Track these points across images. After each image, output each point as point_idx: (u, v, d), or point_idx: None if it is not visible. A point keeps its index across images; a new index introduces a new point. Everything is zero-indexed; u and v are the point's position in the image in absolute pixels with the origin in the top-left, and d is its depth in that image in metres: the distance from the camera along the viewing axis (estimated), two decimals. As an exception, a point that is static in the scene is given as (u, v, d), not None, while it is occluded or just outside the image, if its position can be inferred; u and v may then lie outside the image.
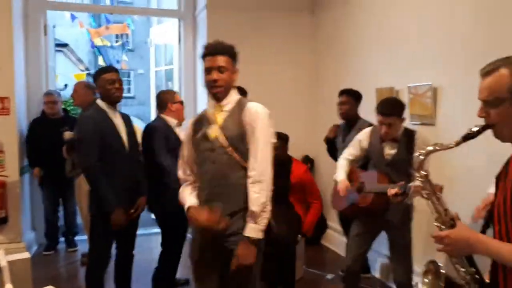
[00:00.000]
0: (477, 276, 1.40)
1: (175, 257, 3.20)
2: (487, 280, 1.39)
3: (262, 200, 1.90)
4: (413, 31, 3.36)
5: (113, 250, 2.95)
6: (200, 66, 5.11)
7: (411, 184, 2.44)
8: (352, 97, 3.51)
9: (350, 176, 2.87)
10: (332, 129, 3.71)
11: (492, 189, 1.98)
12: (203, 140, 2.02)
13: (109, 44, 11.44)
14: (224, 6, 4.61)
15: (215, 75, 1.97)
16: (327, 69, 4.73)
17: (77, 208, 4.44)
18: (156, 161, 2.94)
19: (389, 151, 2.74)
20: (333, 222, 4.53)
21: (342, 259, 3.56)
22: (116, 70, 2.89)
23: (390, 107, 2.68)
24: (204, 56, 2.02)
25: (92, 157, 2.66)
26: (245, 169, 1.96)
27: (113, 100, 2.81)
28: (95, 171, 2.67)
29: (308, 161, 4.92)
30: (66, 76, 12.63)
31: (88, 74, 16.25)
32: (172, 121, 3.16)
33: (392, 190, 2.50)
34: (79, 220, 4.63)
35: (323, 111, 4.74)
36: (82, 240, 4.56)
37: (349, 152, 2.92)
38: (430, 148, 1.48)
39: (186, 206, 2.04)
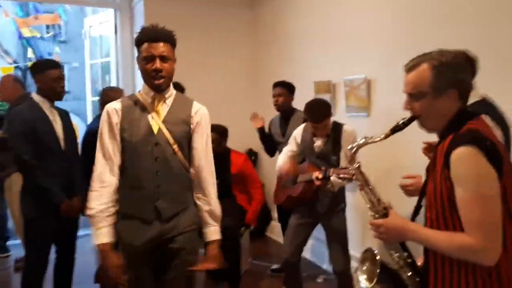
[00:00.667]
0: (409, 260, 1.48)
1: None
2: (419, 264, 1.49)
3: (217, 201, 1.91)
4: (349, 26, 3.47)
5: (52, 254, 2.80)
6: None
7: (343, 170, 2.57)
8: (286, 89, 3.55)
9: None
10: (256, 119, 3.73)
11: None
12: (141, 132, 1.83)
13: (39, 35, 10.71)
14: (161, -3, 4.50)
15: (158, 64, 1.78)
16: (268, 63, 4.77)
17: (7, 211, 4.17)
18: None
19: (318, 143, 2.88)
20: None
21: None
22: (60, 66, 2.77)
23: (319, 113, 2.76)
24: (142, 42, 1.81)
25: (26, 153, 2.53)
26: (187, 170, 1.92)
27: (56, 98, 2.70)
28: (33, 166, 2.54)
29: (252, 154, 4.95)
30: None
31: (17, 67, 15.18)
32: None
33: (315, 173, 2.66)
34: (10, 224, 4.36)
35: (266, 104, 4.77)
36: (15, 245, 4.29)
37: (288, 148, 3.03)
38: (361, 141, 1.55)
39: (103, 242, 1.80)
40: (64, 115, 2.82)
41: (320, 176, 2.63)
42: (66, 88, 2.83)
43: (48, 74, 2.63)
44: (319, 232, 3.43)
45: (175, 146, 1.84)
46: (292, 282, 3.06)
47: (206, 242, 1.94)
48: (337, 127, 2.87)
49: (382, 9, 3.12)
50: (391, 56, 3.02)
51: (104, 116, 1.87)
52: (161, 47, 1.79)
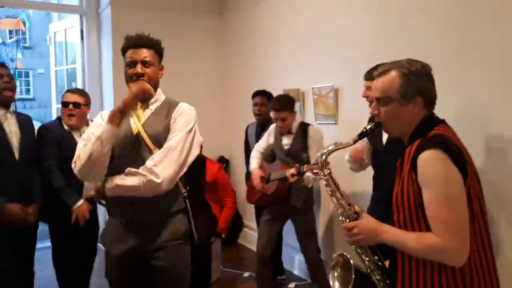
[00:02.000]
0: (379, 263, 1.51)
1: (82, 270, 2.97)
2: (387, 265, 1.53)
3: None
4: (317, 35, 3.53)
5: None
6: (106, 65, 4.88)
7: (305, 165, 2.75)
8: (266, 98, 3.59)
9: (260, 169, 3.13)
10: None
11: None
12: (121, 135, 1.82)
13: (0, 40, 10.34)
14: (129, 4, 4.45)
15: (139, 68, 1.81)
16: (237, 71, 4.79)
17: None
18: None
19: (286, 142, 3.03)
20: (249, 220, 4.61)
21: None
22: (3, 65, 2.60)
23: (280, 102, 2.96)
24: (126, 48, 1.85)
25: None
26: None
27: (2, 100, 2.54)
28: None
29: (223, 161, 4.94)
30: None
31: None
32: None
33: (290, 171, 2.78)
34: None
35: (236, 111, 4.79)
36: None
37: (259, 145, 3.21)
38: (331, 147, 1.58)
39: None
40: (25, 121, 2.68)
41: (295, 172, 2.73)
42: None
43: None
44: (289, 237, 3.47)
45: (156, 150, 1.78)
46: (262, 276, 3.14)
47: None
48: (304, 126, 3.04)
49: (351, 19, 3.20)
50: (358, 66, 3.08)
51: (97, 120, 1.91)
52: (143, 53, 1.83)
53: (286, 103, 2.95)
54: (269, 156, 3.21)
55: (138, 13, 4.48)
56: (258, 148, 3.22)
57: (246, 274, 3.88)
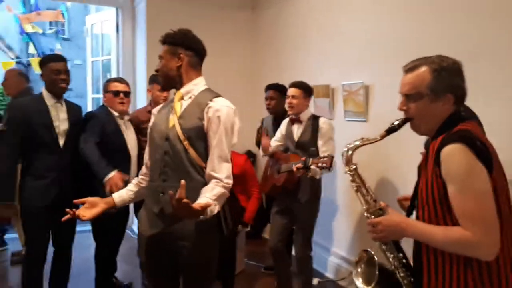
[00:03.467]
0: (404, 261, 1.50)
1: (108, 253, 3.10)
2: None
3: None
4: (348, 32, 3.50)
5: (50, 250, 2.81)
6: (140, 57, 4.99)
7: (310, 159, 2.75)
8: (278, 92, 3.57)
9: (276, 158, 3.19)
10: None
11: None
12: (158, 127, 1.91)
13: (41, 31, 10.70)
14: (164, -3, 4.53)
15: (158, 65, 1.95)
16: (267, 65, 4.80)
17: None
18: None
19: (297, 132, 3.07)
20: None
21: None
22: (64, 60, 2.76)
23: (298, 82, 3.06)
24: None
25: (9, 143, 2.55)
26: (201, 169, 1.83)
27: (57, 92, 2.69)
28: (4, 156, 2.55)
29: (250, 155, 4.98)
30: (-7, 64, 11.71)
31: (18, 62, 15.20)
32: (112, 110, 2.99)
33: (295, 165, 2.80)
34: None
35: (264, 106, 4.80)
36: (12, 238, 4.31)
37: (274, 138, 3.27)
38: (357, 142, 1.57)
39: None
40: (74, 111, 2.81)
41: (301, 166, 2.76)
42: (69, 85, 2.82)
43: (49, 67, 2.66)
44: (315, 236, 3.47)
45: (186, 142, 1.82)
46: (280, 270, 3.16)
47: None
48: (315, 118, 3.05)
49: (382, 16, 3.15)
50: (389, 63, 3.05)
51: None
52: (162, 49, 1.94)
53: (303, 84, 3.05)
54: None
55: (172, 7, 4.55)
56: (273, 143, 3.25)
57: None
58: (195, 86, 1.94)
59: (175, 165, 1.84)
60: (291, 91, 3.03)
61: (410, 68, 1.43)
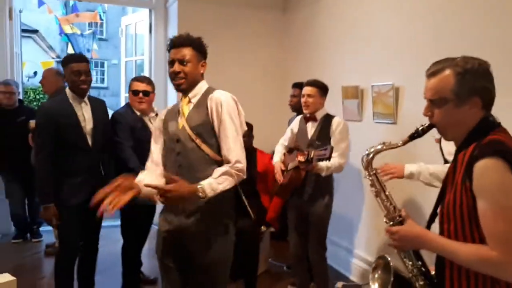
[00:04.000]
0: (423, 269, 1.46)
1: (135, 248, 3.18)
2: (433, 272, 1.47)
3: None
4: (378, 33, 3.44)
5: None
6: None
7: (317, 152, 2.70)
8: (301, 90, 3.52)
9: (283, 162, 3.14)
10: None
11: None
12: (169, 131, 1.99)
13: (79, 32, 11.15)
14: (196, -1, 4.61)
15: (176, 67, 1.93)
16: (296, 66, 4.79)
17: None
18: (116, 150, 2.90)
19: (310, 130, 3.01)
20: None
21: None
22: (85, 60, 2.75)
23: (314, 80, 3.01)
24: (169, 49, 1.98)
25: (44, 148, 2.61)
26: (217, 163, 1.89)
27: (78, 93, 2.72)
28: (42, 161, 2.62)
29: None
30: (35, 63, 12.26)
31: (58, 62, 15.83)
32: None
33: (298, 157, 2.76)
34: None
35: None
36: (47, 231, 4.50)
37: (284, 138, 3.23)
38: (379, 147, 1.54)
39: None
40: (98, 108, 2.82)
41: (303, 159, 2.71)
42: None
43: (69, 68, 2.66)
44: (340, 238, 3.43)
45: (198, 141, 1.89)
46: (299, 275, 3.14)
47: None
48: (329, 117, 3.00)
49: (412, 17, 3.08)
50: (420, 65, 2.93)
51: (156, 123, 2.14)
52: (181, 52, 1.93)
53: (318, 82, 3.01)
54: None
55: (204, 8, 4.62)
56: (281, 141, 3.22)
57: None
58: (200, 89, 2.01)
59: (188, 164, 1.91)
60: (306, 90, 2.98)
61: (433, 72, 1.36)
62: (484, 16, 2.50)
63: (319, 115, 3.00)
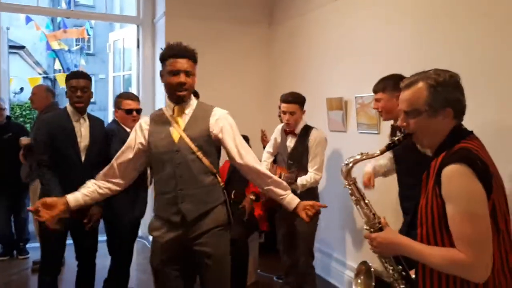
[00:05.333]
0: (403, 273, 1.52)
1: (126, 264, 3.17)
2: (413, 276, 1.53)
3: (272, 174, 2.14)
4: (361, 44, 3.54)
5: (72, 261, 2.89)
6: (158, 71, 5.11)
7: (286, 175, 2.84)
8: None
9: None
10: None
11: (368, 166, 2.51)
12: (163, 142, 1.99)
13: (66, 47, 11.15)
14: (182, 14, 4.67)
15: (183, 77, 1.95)
16: (282, 79, 4.87)
17: (29, 214, 4.34)
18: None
19: (290, 143, 3.08)
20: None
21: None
22: (84, 76, 2.76)
23: (292, 96, 3.02)
24: (168, 57, 1.97)
25: (44, 159, 2.63)
26: (214, 174, 2.02)
27: (75, 108, 2.74)
28: (46, 172, 2.63)
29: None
30: (22, 79, 12.20)
31: (45, 78, 15.76)
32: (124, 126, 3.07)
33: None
34: (31, 227, 4.53)
35: (278, 119, 4.86)
36: (34, 248, 4.45)
37: (267, 149, 3.32)
38: (357, 157, 1.60)
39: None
40: (96, 126, 2.84)
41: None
42: (93, 99, 2.84)
43: (69, 84, 2.71)
44: (326, 246, 3.46)
45: (199, 153, 1.97)
46: (290, 284, 3.20)
47: (293, 209, 2.06)
48: (307, 128, 3.06)
49: (393, 30, 3.18)
50: (402, 76, 3.06)
51: (134, 132, 2.12)
52: (185, 63, 1.97)
53: (298, 97, 3.03)
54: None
55: (191, 23, 4.69)
56: (267, 149, 3.30)
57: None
58: (192, 102, 2.07)
59: (188, 174, 1.97)
60: (288, 107, 2.98)
61: (407, 84, 1.44)
62: (469, 27, 2.58)
63: (298, 128, 3.07)
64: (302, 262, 3.05)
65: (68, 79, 2.76)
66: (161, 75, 2.04)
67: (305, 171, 2.97)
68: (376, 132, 3.34)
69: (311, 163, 2.97)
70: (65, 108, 2.79)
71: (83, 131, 2.75)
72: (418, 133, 1.44)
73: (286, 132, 3.12)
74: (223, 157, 2.18)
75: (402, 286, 1.51)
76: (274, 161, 3.26)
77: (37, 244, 4.20)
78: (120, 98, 3.12)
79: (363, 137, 3.50)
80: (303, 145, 3.01)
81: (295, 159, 3.02)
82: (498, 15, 2.39)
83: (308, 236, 3.04)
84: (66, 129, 2.69)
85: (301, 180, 2.88)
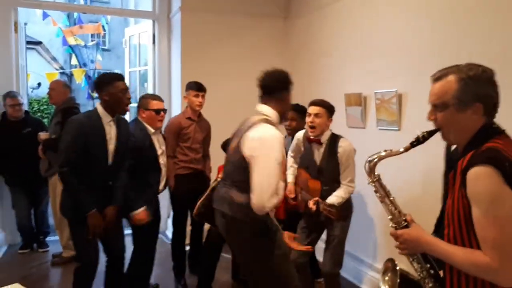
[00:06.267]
0: (432, 271, 1.49)
1: (149, 258, 3.20)
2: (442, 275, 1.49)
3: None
4: (381, 39, 3.47)
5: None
6: (175, 67, 5.11)
7: (321, 202, 2.76)
8: (298, 113, 3.48)
9: (295, 184, 3.17)
10: None
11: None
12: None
13: (83, 43, 11.22)
14: (198, 9, 4.65)
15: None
16: (298, 74, 4.80)
17: (49, 207, 4.41)
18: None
19: (317, 156, 2.96)
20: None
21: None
22: (124, 79, 2.78)
23: (320, 100, 2.94)
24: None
25: (69, 163, 2.58)
26: None
27: (121, 111, 2.73)
28: (70, 176, 2.59)
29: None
30: (39, 74, 12.36)
31: (62, 73, 15.95)
32: (149, 126, 3.12)
33: (310, 202, 2.80)
34: (50, 220, 4.60)
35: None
36: (53, 241, 4.53)
37: (291, 149, 3.21)
38: (382, 153, 1.57)
39: None
40: (123, 127, 2.81)
41: (314, 208, 2.76)
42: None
43: (117, 86, 2.66)
44: (354, 249, 3.39)
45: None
46: (301, 283, 3.10)
47: None
48: (334, 139, 2.93)
49: (415, 24, 3.12)
50: (423, 71, 2.99)
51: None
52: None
53: (326, 103, 2.94)
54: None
55: (206, 17, 4.67)
56: (290, 153, 3.20)
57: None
58: None
59: None
60: (314, 109, 2.87)
61: (437, 77, 1.41)
62: (487, 24, 2.53)
63: (324, 138, 2.92)
64: (328, 268, 2.98)
65: (110, 81, 2.68)
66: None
67: (336, 183, 2.90)
68: (397, 128, 3.28)
69: (343, 175, 2.87)
70: (95, 109, 2.73)
71: (112, 134, 2.72)
72: (445, 128, 1.40)
73: (309, 140, 2.97)
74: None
75: (430, 285, 1.47)
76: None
77: (57, 238, 4.28)
78: (146, 99, 3.18)
79: (382, 134, 3.44)
80: (333, 160, 2.88)
81: (326, 176, 2.90)
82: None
83: (338, 243, 2.98)
84: (98, 132, 2.65)
85: (338, 198, 2.82)
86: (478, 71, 1.34)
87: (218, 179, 2.48)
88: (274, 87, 2.47)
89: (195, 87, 3.61)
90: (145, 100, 3.17)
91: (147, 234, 3.11)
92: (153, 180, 3.12)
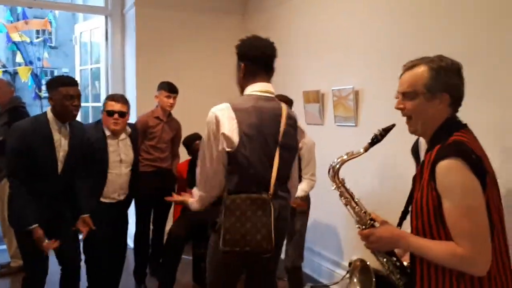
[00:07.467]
0: (398, 264, 1.51)
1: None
2: (405, 263, 1.51)
3: None
4: (338, 38, 3.53)
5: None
6: (129, 65, 4.95)
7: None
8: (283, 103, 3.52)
9: None
10: None
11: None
12: None
13: (28, 40, 10.61)
14: (153, 4, 4.52)
15: None
16: (258, 71, 4.81)
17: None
18: None
19: None
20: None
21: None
22: (76, 84, 2.60)
23: (281, 96, 2.80)
24: None
25: (18, 174, 2.44)
26: None
27: (67, 118, 2.56)
28: (18, 187, 2.45)
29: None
30: (-21, 73, 11.59)
31: (5, 72, 15.04)
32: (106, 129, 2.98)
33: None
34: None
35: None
36: (1, 250, 4.25)
37: None
38: (344, 157, 1.57)
39: None
40: (77, 132, 2.67)
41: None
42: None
43: (60, 92, 2.48)
44: (312, 243, 3.44)
45: None
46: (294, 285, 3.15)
47: None
48: None
49: (372, 21, 3.19)
50: (379, 68, 3.08)
51: None
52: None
53: (285, 97, 2.92)
54: None
55: (162, 13, 4.55)
56: None
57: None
58: None
59: None
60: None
61: (409, 67, 1.43)
62: (446, 21, 2.60)
63: None
64: (290, 262, 3.04)
65: (56, 86, 2.51)
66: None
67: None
68: (353, 124, 3.35)
69: (305, 170, 2.93)
70: (45, 114, 2.57)
71: (63, 141, 2.57)
72: (414, 117, 1.43)
73: None
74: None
75: (398, 276, 1.49)
76: None
77: (4, 247, 4.02)
78: (106, 99, 3.08)
79: (340, 130, 3.50)
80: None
81: None
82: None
83: (299, 237, 3.06)
84: (45, 140, 2.49)
85: (301, 192, 2.86)
86: (449, 62, 1.39)
87: None
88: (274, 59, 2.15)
89: (167, 88, 3.53)
90: (105, 100, 3.06)
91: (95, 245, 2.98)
92: (96, 186, 2.94)
